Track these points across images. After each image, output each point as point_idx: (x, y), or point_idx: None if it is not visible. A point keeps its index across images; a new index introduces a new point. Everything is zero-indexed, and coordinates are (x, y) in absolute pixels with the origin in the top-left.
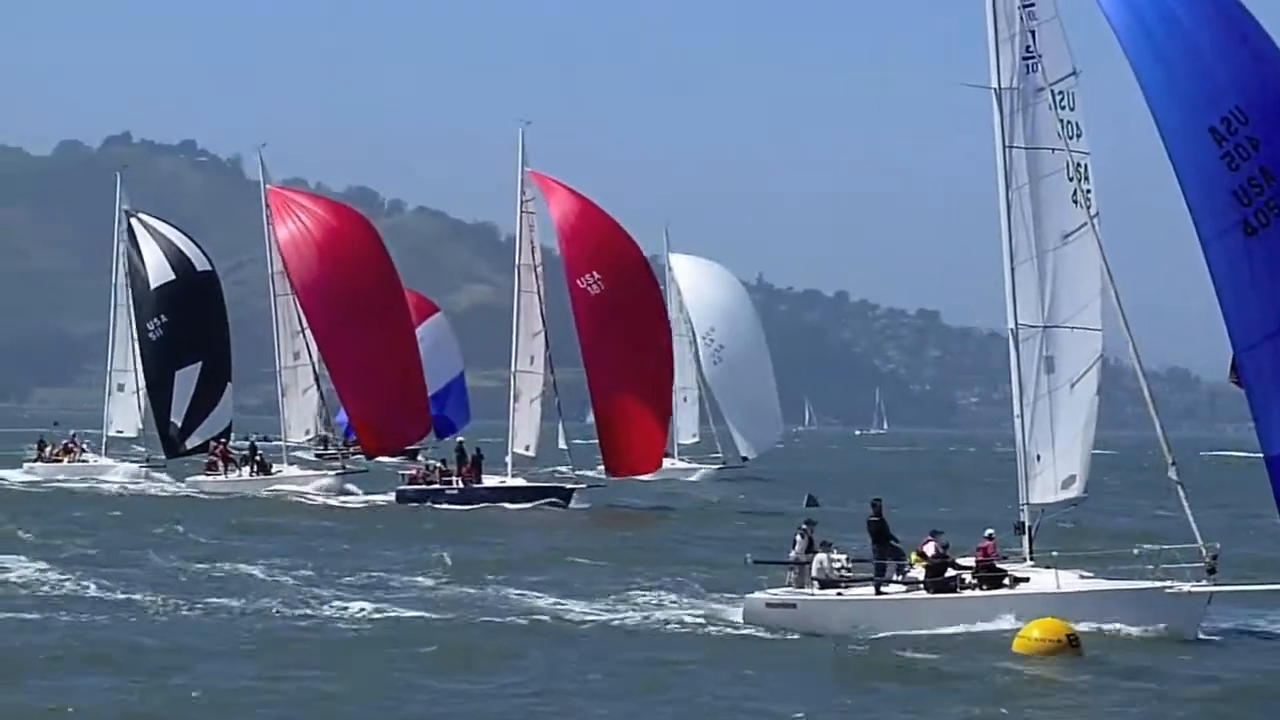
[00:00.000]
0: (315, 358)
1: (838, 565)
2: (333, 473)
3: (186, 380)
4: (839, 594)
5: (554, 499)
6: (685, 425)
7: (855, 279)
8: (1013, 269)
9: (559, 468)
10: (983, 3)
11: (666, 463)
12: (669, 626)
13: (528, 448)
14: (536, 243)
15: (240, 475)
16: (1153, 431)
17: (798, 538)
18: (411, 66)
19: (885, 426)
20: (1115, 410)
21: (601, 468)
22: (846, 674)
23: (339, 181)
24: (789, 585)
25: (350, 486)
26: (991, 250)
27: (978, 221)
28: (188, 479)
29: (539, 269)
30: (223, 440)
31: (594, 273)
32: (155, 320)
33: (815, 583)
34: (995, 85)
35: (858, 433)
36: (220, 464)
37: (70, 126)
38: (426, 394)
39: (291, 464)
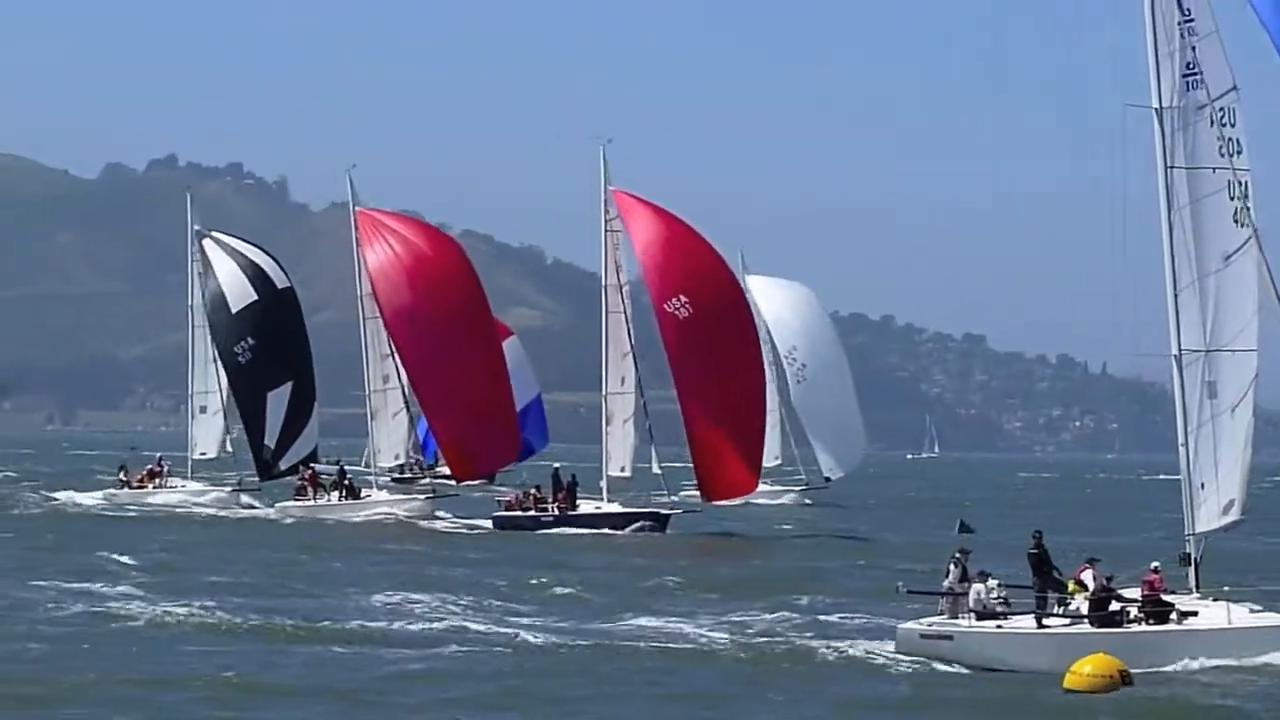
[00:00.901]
0: (405, 382)
1: (995, 596)
2: (423, 496)
3: (278, 402)
4: (998, 626)
5: (650, 524)
6: (767, 447)
7: (902, 303)
8: (1175, 294)
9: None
10: (1142, 21)
11: None
12: (819, 655)
13: (623, 469)
14: (622, 262)
15: (330, 500)
16: None
17: (951, 566)
18: (458, 90)
19: (937, 450)
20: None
21: (689, 491)
22: (1017, 711)
23: (385, 204)
24: (941, 615)
25: (440, 512)
26: (1038, 274)
27: (1027, 245)
28: (276, 504)
29: (625, 289)
30: (311, 465)
31: (681, 296)
32: (243, 344)
33: (971, 613)
34: (1156, 104)
35: (909, 456)
36: (310, 489)
37: (115, 149)
38: (516, 419)
39: (381, 489)
